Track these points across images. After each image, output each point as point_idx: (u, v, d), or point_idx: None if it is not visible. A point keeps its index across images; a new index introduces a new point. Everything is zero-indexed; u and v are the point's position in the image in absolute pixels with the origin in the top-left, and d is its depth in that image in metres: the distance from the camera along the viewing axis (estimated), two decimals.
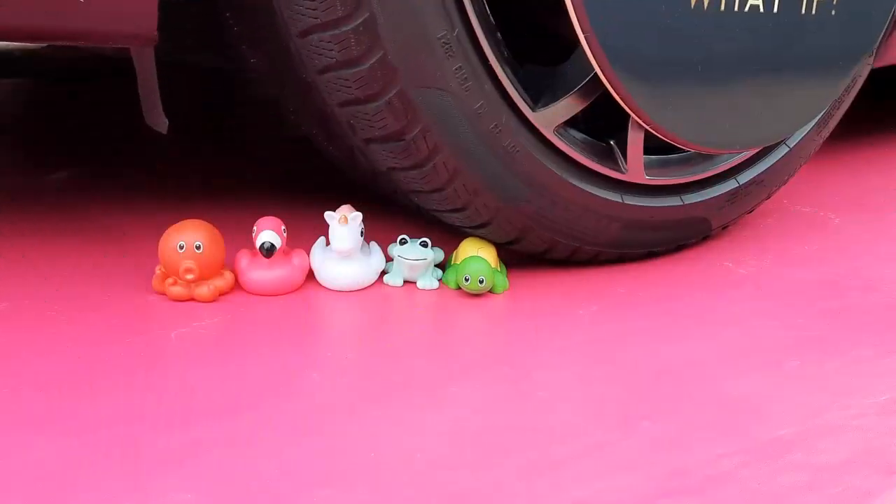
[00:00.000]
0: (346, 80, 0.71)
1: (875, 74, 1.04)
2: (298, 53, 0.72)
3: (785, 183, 1.01)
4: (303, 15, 0.68)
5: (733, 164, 0.92)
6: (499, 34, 0.74)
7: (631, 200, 0.85)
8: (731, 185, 0.93)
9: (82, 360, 0.66)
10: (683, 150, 0.88)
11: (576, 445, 0.57)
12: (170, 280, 0.75)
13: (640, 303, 0.82)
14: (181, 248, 0.73)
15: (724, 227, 0.99)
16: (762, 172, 0.95)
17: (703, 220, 0.93)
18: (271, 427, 0.57)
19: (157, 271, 0.76)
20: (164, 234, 0.74)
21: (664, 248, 0.94)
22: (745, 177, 0.94)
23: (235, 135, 1.58)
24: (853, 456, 0.57)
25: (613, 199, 0.83)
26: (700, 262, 0.94)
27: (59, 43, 0.68)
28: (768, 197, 1.00)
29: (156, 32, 0.65)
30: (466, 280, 0.78)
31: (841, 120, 1.01)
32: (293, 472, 0.53)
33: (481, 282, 0.78)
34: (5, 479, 0.51)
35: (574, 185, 0.81)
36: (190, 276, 0.73)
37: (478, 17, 0.71)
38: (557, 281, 0.86)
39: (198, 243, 0.73)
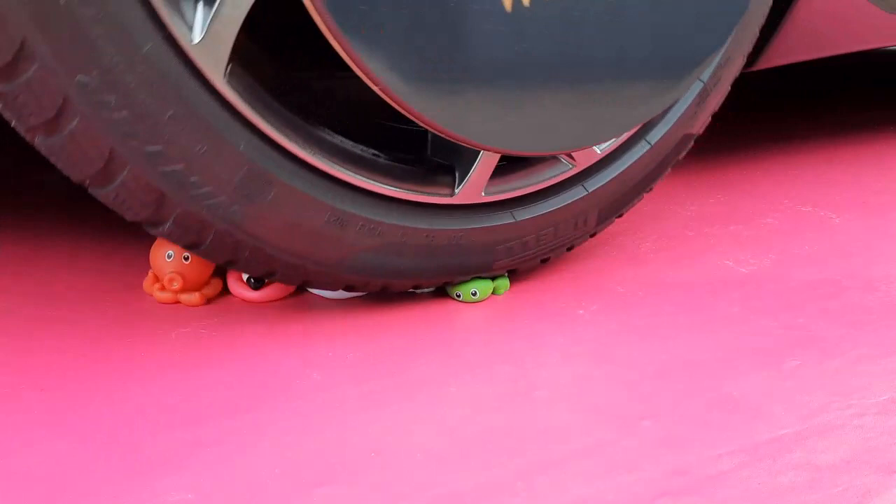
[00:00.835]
0: None
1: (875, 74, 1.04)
2: None
3: (752, 46, 0.93)
4: None
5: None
6: (384, 159, 0.71)
7: (593, 185, 0.81)
8: (696, 88, 0.86)
9: (83, 359, 0.66)
10: None
11: (576, 445, 0.57)
12: (158, 285, 0.76)
13: (639, 302, 0.82)
14: (169, 257, 0.74)
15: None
16: (726, 50, 0.86)
17: (685, 136, 0.88)
18: (272, 427, 0.58)
19: (149, 273, 0.77)
20: (155, 242, 0.76)
21: (658, 182, 0.90)
22: (708, 71, 0.86)
23: None
24: (853, 456, 0.57)
25: (579, 194, 0.80)
26: (700, 261, 0.94)
27: None
28: (744, 62, 0.92)
29: None
30: (458, 296, 0.79)
31: (842, 121, 1.00)
32: (294, 471, 0.53)
33: (474, 294, 0.79)
34: (5, 480, 0.51)
35: (535, 218, 0.78)
36: (175, 285, 0.74)
37: (362, 172, 0.68)
38: (557, 281, 0.86)
39: (186, 254, 0.74)
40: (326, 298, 0.79)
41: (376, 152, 0.71)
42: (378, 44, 0.59)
